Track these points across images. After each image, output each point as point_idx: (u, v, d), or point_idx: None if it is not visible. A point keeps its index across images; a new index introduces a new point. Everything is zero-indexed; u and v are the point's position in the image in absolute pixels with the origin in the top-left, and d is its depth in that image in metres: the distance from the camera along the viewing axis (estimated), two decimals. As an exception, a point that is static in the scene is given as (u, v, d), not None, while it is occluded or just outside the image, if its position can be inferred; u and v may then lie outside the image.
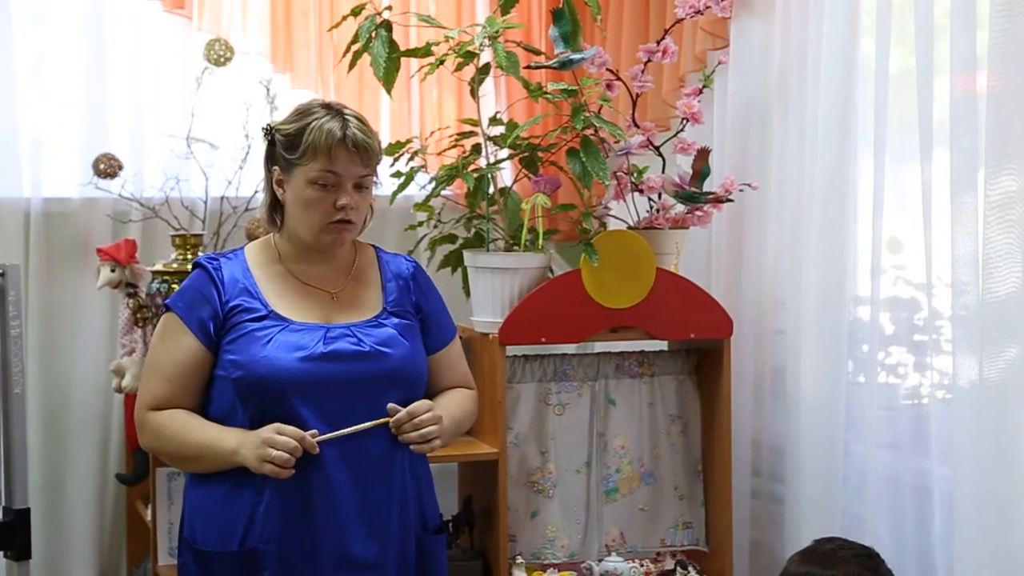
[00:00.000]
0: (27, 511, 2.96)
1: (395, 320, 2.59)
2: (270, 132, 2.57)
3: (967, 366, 2.78)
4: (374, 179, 2.62)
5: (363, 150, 2.50)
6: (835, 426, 3.21)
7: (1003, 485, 2.68)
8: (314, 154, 2.48)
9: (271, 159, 2.58)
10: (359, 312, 2.59)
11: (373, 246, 2.74)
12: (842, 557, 2.40)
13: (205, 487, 2.53)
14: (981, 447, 2.74)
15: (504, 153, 3.45)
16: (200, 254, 3.50)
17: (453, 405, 2.67)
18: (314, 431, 2.43)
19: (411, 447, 2.51)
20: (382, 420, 2.48)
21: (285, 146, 2.52)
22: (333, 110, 2.54)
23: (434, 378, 2.68)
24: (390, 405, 2.49)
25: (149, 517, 3.51)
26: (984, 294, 2.71)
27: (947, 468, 2.89)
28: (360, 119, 2.55)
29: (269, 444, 2.39)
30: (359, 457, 2.47)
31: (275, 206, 2.60)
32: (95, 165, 3.78)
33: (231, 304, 2.51)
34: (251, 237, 3.57)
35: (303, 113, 2.54)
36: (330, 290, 2.59)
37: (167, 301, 2.59)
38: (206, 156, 3.86)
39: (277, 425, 2.42)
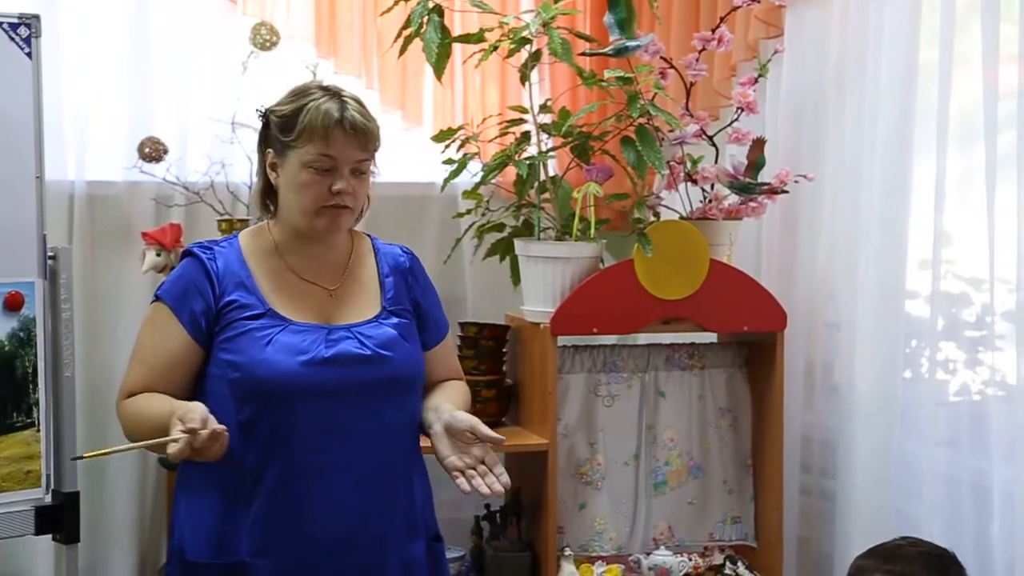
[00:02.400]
0: (76, 494, 2.96)
1: (395, 320, 2.48)
2: (265, 114, 2.46)
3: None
4: (372, 166, 2.48)
5: (361, 133, 2.39)
6: (890, 423, 3.17)
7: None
8: (310, 136, 2.36)
9: (265, 141, 2.46)
10: (358, 310, 2.47)
11: (368, 235, 2.62)
12: (906, 554, 2.34)
13: (194, 495, 2.42)
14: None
15: (555, 141, 3.41)
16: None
17: (462, 403, 2.54)
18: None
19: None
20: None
21: (280, 127, 2.39)
22: (331, 92, 2.42)
23: (428, 372, 2.56)
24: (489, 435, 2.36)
25: (192, 503, 3.49)
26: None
27: (1008, 468, 2.85)
28: (359, 101, 2.44)
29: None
30: (361, 465, 2.37)
31: (268, 191, 2.48)
32: (140, 148, 3.75)
33: (226, 299, 2.40)
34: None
35: (300, 94, 2.42)
36: (328, 286, 2.47)
37: (157, 291, 2.46)
38: (250, 141, 3.80)
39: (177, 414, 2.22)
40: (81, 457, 2.43)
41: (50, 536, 2.99)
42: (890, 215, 3.16)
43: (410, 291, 2.54)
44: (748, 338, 3.45)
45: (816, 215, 3.45)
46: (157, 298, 2.44)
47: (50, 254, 2.96)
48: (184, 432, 2.17)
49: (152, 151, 3.75)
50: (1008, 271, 2.87)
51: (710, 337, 3.50)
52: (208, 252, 2.44)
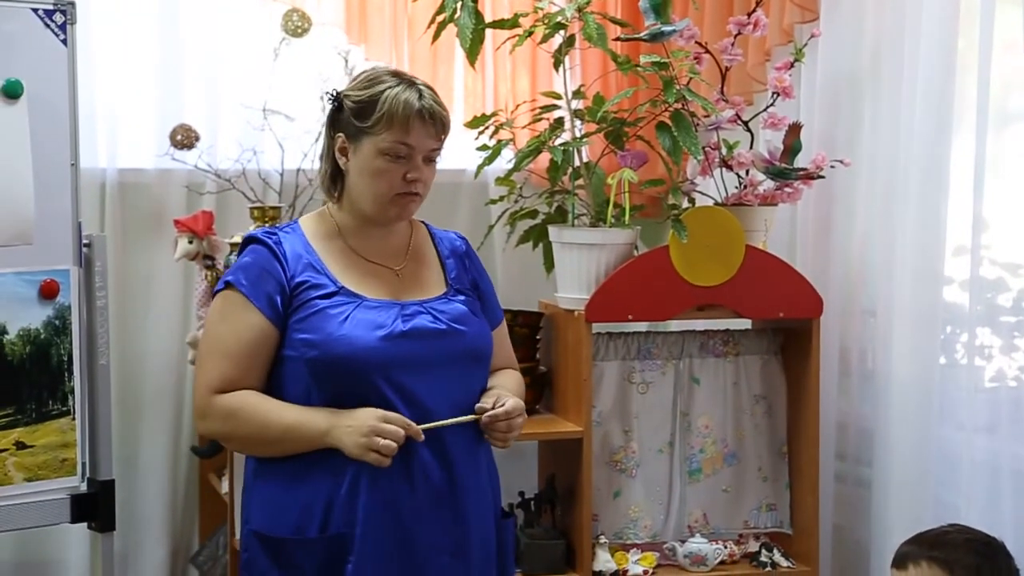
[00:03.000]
0: (111, 482, 2.95)
1: (462, 297, 2.52)
2: (337, 98, 2.46)
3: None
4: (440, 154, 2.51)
5: (438, 122, 2.41)
6: (926, 409, 3.15)
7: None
8: (389, 124, 2.37)
9: (335, 125, 2.46)
10: (426, 289, 2.50)
11: (423, 222, 2.63)
12: (952, 540, 2.31)
13: (274, 478, 2.41)
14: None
15: (589, 127, 3.38)
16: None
17: (515, 391, 2.56)
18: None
19: (492, 442, 2.45)
20: (475, 416, 2.41)
21: (355, 113, 2.40)
22: (405, 79, 2.44)
23: None
24: (479, 405, 2.42)
25: (225, 490, 3.49)
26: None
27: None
28: (432, 89, 2.46)
29: (376, 433, 2.29)
30: (442, 441, 2.39)
31: (335, 175, 2.48)
32: (172, 136, 3.75)
33: (297, 280, 2.40)
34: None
35: (374, 80, 2.43)
36: (393, 267, 2.49)
37: (228, 278, 2.42)
38: (282, 128, 3.82)
39: (381, 412, 2.32)
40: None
41: (85, 524, 2.99)
42: (927, 200, 3.13)
43: (469, 274, 2.58)
44: (783, 324, 3.43)
45: (852, 201, 3.42)
46: (227, 285, 2.42)
47: (85, 242, 2.95)
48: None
49: (184, 138, 3.76)
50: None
51: (745, 324, 3.48)
52: (273, 236, 2.45)
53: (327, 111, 2.49)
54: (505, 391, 2.49)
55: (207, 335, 2.47)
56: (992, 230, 3.06)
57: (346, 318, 2.38)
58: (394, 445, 2.30)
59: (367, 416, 2.32)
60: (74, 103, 2.90)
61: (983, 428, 3.05)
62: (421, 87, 2.43)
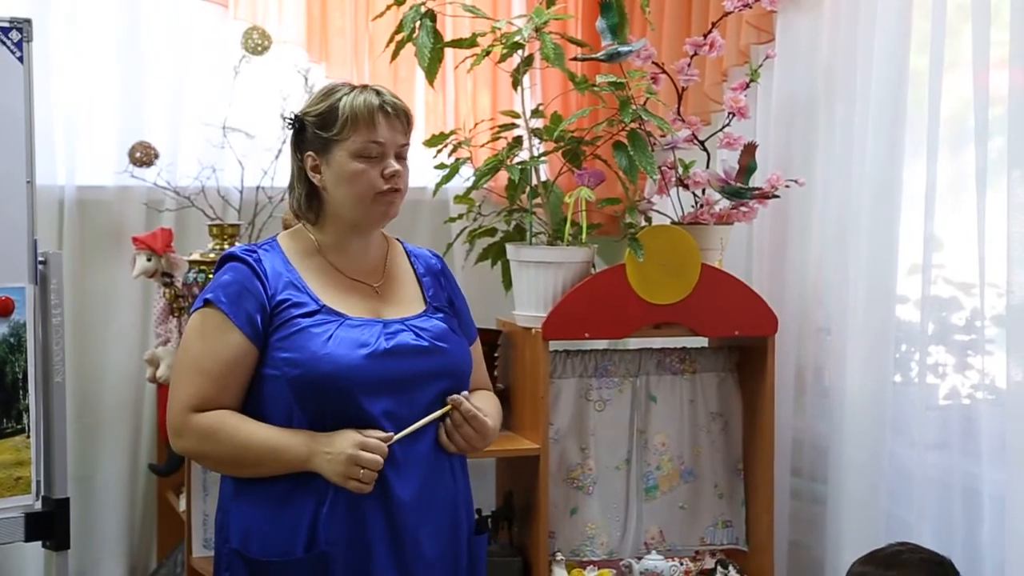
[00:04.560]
0: (66, 501, 2.95)
1: (440, 315, 2.54)
2: (298, 120, 2.46)
3: (1020, 367, 2.75)
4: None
5: (403, 115, 2.44)
6: (880, 427, 3.18)
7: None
8: (355, 125, 2.39)
9: (300, 147, 2.46)
10: (405, 306, 2.51)
11: (397, 239, 2.65)
12: (907, 560, 2.34)
13: (257, 497, 2.40)
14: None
15: (547, 146, 3.41)
16: (237, 244, 3.46)
17: (493, 413, 2.59)
18: (389, 434, 2.36)
19: (446, 444, 2.45)
20: (443, 411, 2.43)
21: (319, 125, 2.41)
22: (358, 86, 2.47)
23: None
24: (451, 397, 2.44)
25: (182, 508, 3.49)
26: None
27: (997, 471, 2.86)
28: (387, 91, 2.48)
29: (355, 462, 2.30)
30: (423, 457, 2.41)
31: (311, 195, 2.47)
32: (131, 153, 3.75)
33: (278, 298, 2.40)
34: (287, 228, 3.53)
35: (329, 92, 2.46)
36: (372, 283, 2.50)
37: (207, 296, 2.40)
38: (242, 146, 3.82)
39: (359, 438, 2.32)
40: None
41: (40, 543, 2.97)
42: (880, 220, 3.17)
43: (444, 292, 2.60)
44: (739, 342, 3.45)
45: (807, 220, 3.45)
46: (207, 303, 2.40)
47: (41, 259, 2.94)
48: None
49: (143, 156, 3.76)
50: (998, 275, 2.87)
51: (701, 342, 3.51)
52: (253, 254, 2.45)
53: (289, 136, 2.50)
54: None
55: (184, 352, 2.45)
56: (945, 250, 3.10)
57: (329, 337, 2.38)
58: (373, 474, 2.31)
59: (345, 444, 2.32)
60: (30, 120, 2.90)
61: (935, 445, 3.08)
62: (377, 88, 2.46)
